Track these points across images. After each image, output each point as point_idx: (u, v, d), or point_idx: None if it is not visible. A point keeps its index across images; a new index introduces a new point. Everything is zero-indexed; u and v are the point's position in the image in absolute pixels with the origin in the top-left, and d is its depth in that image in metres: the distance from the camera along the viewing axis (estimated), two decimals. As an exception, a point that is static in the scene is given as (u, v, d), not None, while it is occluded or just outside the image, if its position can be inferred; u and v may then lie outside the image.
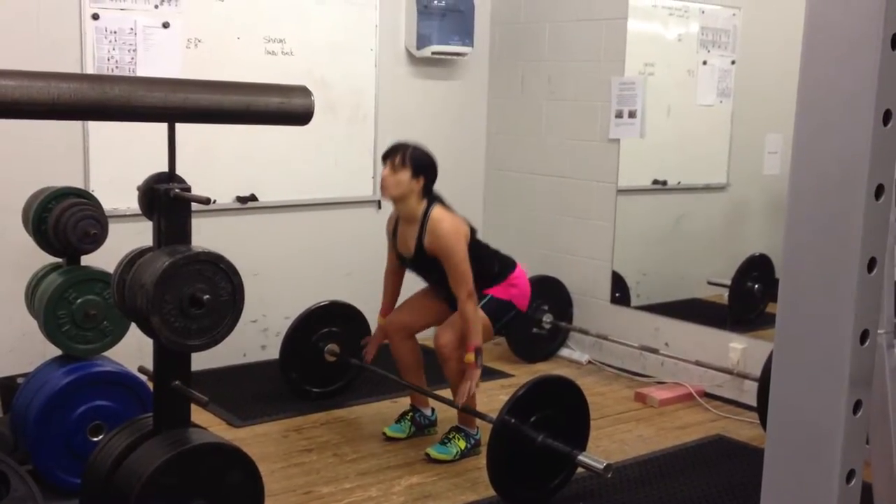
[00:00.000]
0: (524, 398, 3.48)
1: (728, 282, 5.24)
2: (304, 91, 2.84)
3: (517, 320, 4.19)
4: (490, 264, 3.94)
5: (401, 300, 4.16)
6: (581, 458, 3.45)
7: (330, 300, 4.57)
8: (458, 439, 3.90)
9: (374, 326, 4.34)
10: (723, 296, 5.45)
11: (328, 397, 4.52)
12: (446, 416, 4.12)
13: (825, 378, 0.99)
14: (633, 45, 5.19)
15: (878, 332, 1.11)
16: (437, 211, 3.76)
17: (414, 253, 3.85)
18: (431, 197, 3.82)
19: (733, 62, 5.43)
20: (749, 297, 5.18)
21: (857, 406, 0.99)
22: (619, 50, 5.18)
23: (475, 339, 3.68)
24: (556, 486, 3.55)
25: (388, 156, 3.80)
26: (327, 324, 4.49)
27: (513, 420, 3.44)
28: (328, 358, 4.47)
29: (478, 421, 3.88)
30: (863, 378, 1.00)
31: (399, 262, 4.04)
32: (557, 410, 3.55)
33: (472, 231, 3.90)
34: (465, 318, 3.69)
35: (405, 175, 3.74)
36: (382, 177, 3.80)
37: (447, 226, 3.73)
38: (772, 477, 1.06)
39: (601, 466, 3.40)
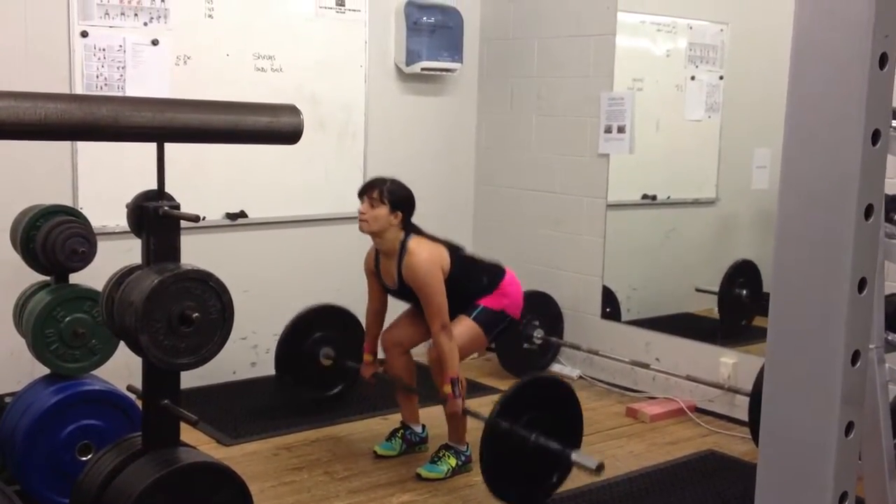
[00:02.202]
0: (515, 398, 3.47)
1: (716, 289, 5.22)
2: (292, 110, 2.84)
3: (511, 330, 4.17)
4: (478, 279, 3.94)
5: (391, 316, 4.15)
6: (574, 457, 3.43)
7: (323, 304, 4.54)
8: (449, 457, 3.88)
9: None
10: (713, 310, 5.46)
11: (325, 403, 4.48)
12: (438, 432, 4.10)
13: (817, 399, 0.99)
14: (622, 61, 5.21)
15: (869, 346, 1.10)
16: (413, 242, 3.77)
17: (397, 284, 3.86)
18: (409, 228, 3.82)
19: (721, 77, 5.45)
20: (737, 304, 5.17)
21: (850, 427, 0.99)
22: (608, 65, 5.20)
23: (451, 371, 3.69)
24: (552, 486, 3.54)
25: (365, 191, 3.80)
26: (322, 328, 4.46)
27: (504, 420, 3.42)
28: (324, 362, 4.43)
29: (470, 423, 3.86)
30: (855, 399, 0.99)
31: (384, 292, 4.04)
32: (549, 411, 3.52)
33: (458, 249, 3.92)
34: (440, 351, 3.72)
35: (383, 210, 3.75)
36: (360, 212, 3.79)
37: (421, 259, 3.73)
38: (764, 499, 1.05)
39: (593, 466, 3.39)
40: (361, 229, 3.83)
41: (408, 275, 3.76)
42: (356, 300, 5.36)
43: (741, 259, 5.23)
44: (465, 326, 3.84)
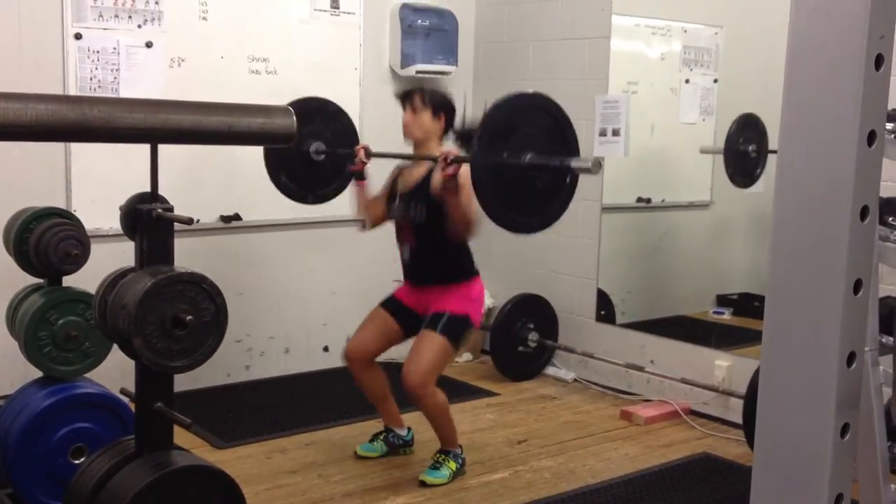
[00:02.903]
0: (492, 123, 3.21)
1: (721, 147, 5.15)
2: (286, 112, 2.83)
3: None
4: (469, 251, 3.88)
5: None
6: (572, 163, 3.23)
7: (304, 97, 4.23)
8: (449, 461, 3.86)
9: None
10: (707, 312, 5.47)
11: (327, 200, 4.34)
12: (423, 437, 4.09)
13: (812, 401, 0.98)
14: (617, 64, 5.21)
15: (864, 348, 1.10)
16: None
17: (414, 187, 3.80)
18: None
19: (716, 81, 5.45)
20: (745, 158, 5.09)
21: (845, 429, 0.98)
22: (603, 69, 5.20)
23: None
24: (561, 202, 3.38)
25: (407, 98, 3.81)
26: (309, 123, 4.16)
27: (489, 153, 3.18)
28: (315, 158, 4.23)
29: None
30: (850, 401, 0.99)
31: (385, 205, 3.96)
32: (536, 128, 3.30)
33: None
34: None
35: (427, 116, 3.77)
36: (404, 121, 3.80)
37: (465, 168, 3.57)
38: (760, 502, 1.05)
39: (588, 164, 3.19)
40: (406, 136, 3.82)
41: (438, 180, 3.61)
42: (351, 303, 5.38)
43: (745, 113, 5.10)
44: (432, 343, 3.72)
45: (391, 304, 3.99)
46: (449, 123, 3.82)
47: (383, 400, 4.06)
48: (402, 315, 3.93)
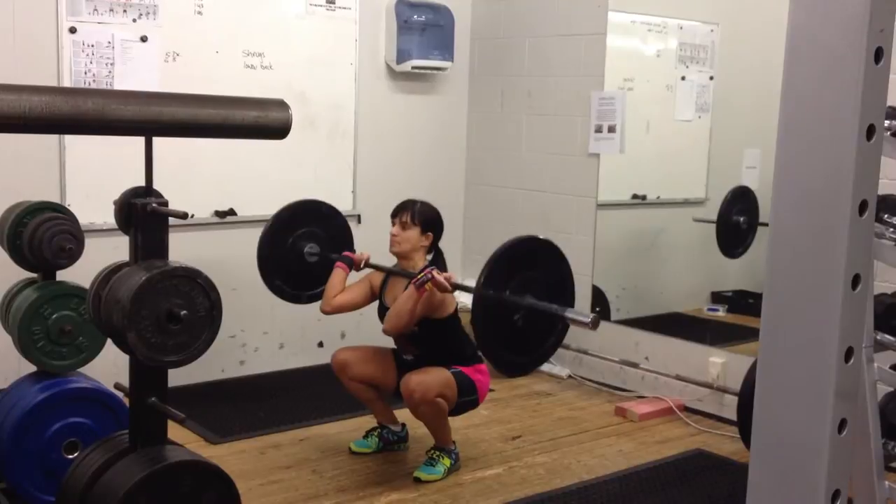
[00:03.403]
0: (499, 264, 3.31)
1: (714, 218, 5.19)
2: (281, 105, 2.82)
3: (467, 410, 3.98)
4: (467, 343, 3.91)
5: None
6: (568, 314, 3.30)
7: (298, 200, 4.31)
8: (443, 458, 3.86)
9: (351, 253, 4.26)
10: (702, 309, 5.47)
11: (319, 299, 4.28)
12: (417, 433, 4.09)
13: (810, 396, 0.98)
14: (613, 61, 5.21)
15: (862, 342, 1.10)
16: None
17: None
18: (435, 255, 3.90)
19: (711, 77, 5.45)
20: (737, 229, 5.14)
21: (843, 425, 0.98)
22: (599, 65, 5.20)
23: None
24: (549, 347, 3.48)
25: (397, 213, 3.90)
26: (302, 225, 4.23)
27: (492, 289, 3.29)
28: (309, 259, 4.24)
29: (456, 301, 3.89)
30: (848, 396, 0.99)
31: (367, 300, 4.03)
32: (536, 273, 3.39)
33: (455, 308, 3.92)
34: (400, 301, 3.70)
35: (414, 232, 3.85)
36: (392, 234, 3.88)
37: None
38: (756, 497, 1.05)
39: (587, 320, 3.25)
40: (392, 250, 3.90)
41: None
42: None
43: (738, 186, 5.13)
44: (441, 373, 3.76)
45: (398, 354, 4.01)
46: (435, 241, 3.92)
47: (373, 401, 4.07)
48: (402, 364, 3.94)
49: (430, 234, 3.88)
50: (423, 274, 3.65)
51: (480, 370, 3.87)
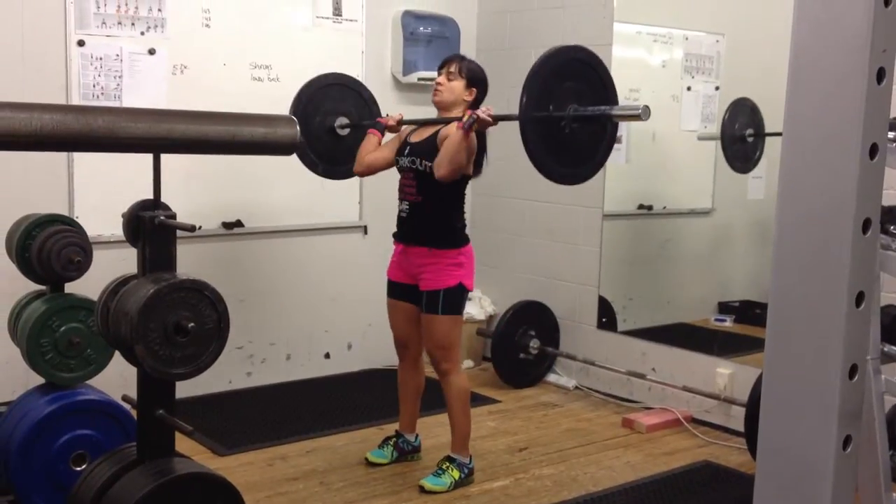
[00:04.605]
0: (536, 80, 3.39)
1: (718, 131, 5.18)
2: (289, 121, 2.84)
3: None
4: (462, 218, 3.94)
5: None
6: (615, 112, 3.38)
7: (325, 73, 4.37)
8: (452, 469, 3.86)
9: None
10: (709, 320, 5.46)
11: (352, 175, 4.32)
12: (434, 443, 4.09)
13: (814, 413, 0.98)
14: (618, 71, 5.18)
15: (866, 358, 1.10)
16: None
17: (422, 142, 3.85)
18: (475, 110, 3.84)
19: (717, 88, 5.46)
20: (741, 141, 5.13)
21: (847, 441, 0.99)
22: (605, 76, 5.20)
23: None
24: (604, 151, 3.54)
25: (444, 64, 3.91)
26: (330, 101, 4.30)
27: (534, 109, 3.36)
28: (340, 132, 4.31)
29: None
30: (852, 413, 0.99)
31: (394, 157, 3.98)
32: (574, 80, 3.46)
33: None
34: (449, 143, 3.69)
35: (459, 84, 3.86)
36: (436, 82, 3.89)
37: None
38: (762, 513, 1.05)
39: (637, 112, 3.33)
40: (434, 98, 3.90)
41: (445, 133, 3.75)
42: (352, 310, 5.37)
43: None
44: (440, 325, 3.82)
45: (394, 291, 4.02)
46: (478, 99, 3.90)
47: (411, 401, 4.10)
48: (406, 295, 3.95)
49: (474, 89, 3.87)
50: (467, 116, 3.63)
51: (463, 258, 3.88)
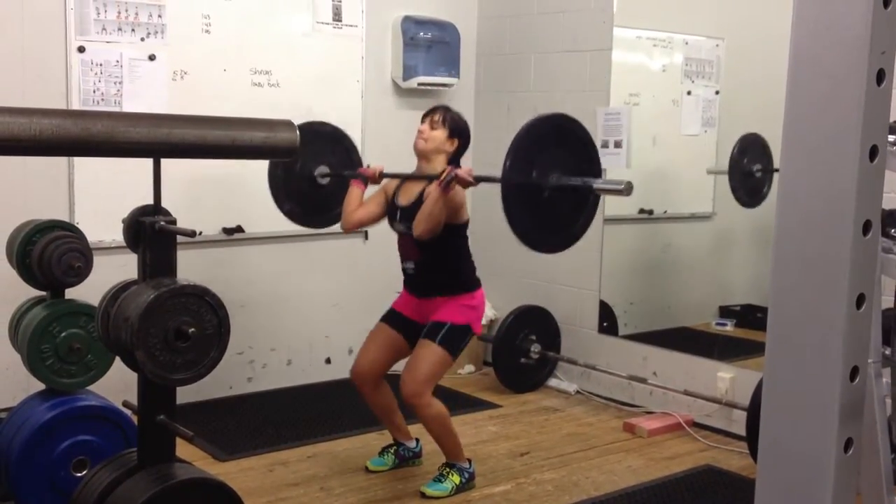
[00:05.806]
0: (520, 149, 3.30)
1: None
2: (288, 125, 2.84)
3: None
4: (468, 259, 3.94)
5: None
6: (597, 185, 3.31)
7: (307, 122, 4.21)
8: (453, 474, 3.85)
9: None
10: (710, 324, 5.46)
11: (335, 221, 4.30)
12: (434, 448, 4.08)
13: (815, 416, 0.98)
14: (618, 76, 5.22)
15: (867, 361, 1.10)
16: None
17: (414, 202, 3.83)
18: (454, 165, 3.86)
19: (717, 92, 5.46)
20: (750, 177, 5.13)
21: (849, 444, 0.98)
22: (605, 80, 5.21)
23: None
24: (582, 223, 3.47)
25: (428, 114, 3.92)
26: (311, 146, 4.14)
27: (516, 173, 3.29)
28: (320, 181, 4.26)
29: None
30: (853, 416, 0.99)
31: (380, 214, 3.99)
32: (559, 150, 3.38)
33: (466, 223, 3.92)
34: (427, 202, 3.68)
35: (441, 133, 3.85)
36: (419, 130, 3.89)
37: (460, 189, 3.74)
38: (763, 516, 1.05)
39: (620, 187, 3.24)
40: (416, 146, 3.90)
41: (429, 192, 3.74)
42: (353, 315, 5.37)
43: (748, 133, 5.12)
44: (430, 353, 3.75)
45: (393, 319, 3.98)
46: (459, 151, 3.91)
47: (392, 414, 4.06)
48: (405, 328, 3.93)
49: (455, 140, 3.88)
50: (446, 173, 3.65)
51: (475, 301, 3.88)
